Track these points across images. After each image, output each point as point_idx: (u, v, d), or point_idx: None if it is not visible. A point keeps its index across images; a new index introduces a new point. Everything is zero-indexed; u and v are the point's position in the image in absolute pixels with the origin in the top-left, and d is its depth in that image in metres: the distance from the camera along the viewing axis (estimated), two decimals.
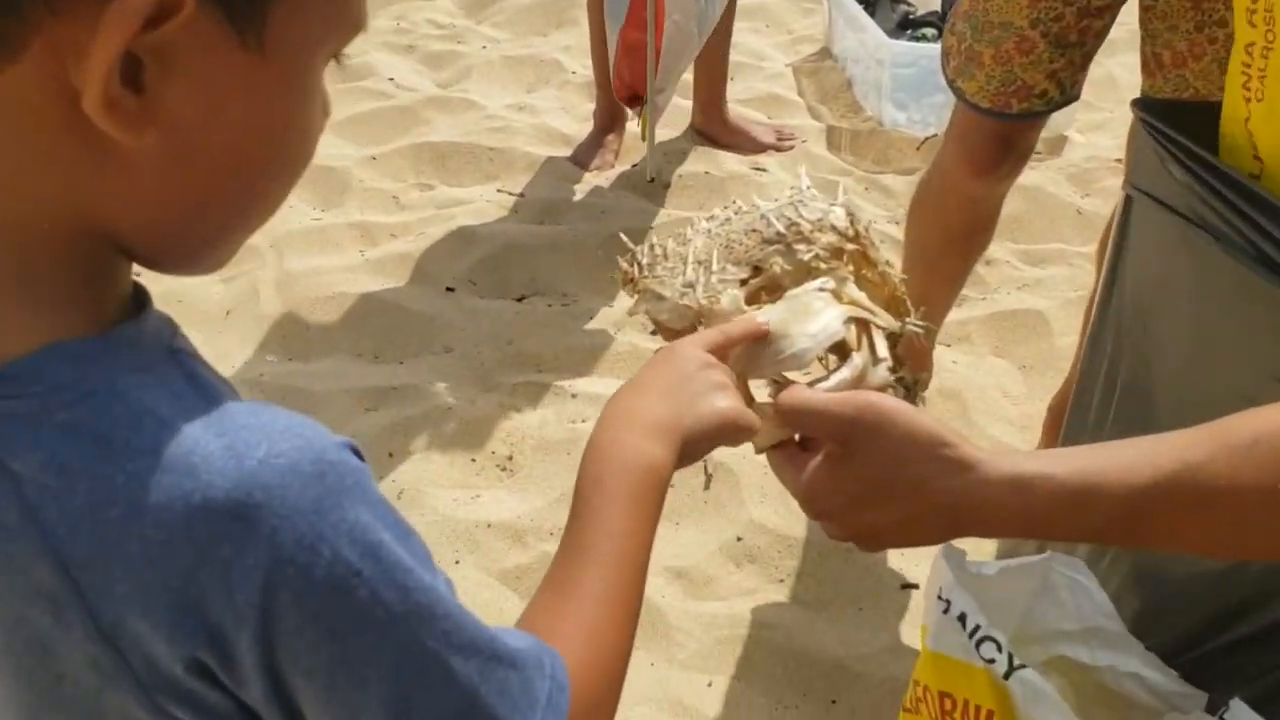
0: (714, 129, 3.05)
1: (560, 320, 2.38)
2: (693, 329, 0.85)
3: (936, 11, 3.55)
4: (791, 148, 3.09)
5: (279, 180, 0.55)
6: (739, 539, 1.81)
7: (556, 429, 2.06)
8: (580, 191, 2.86)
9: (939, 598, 0.98)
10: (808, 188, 0.91)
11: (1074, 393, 1.49)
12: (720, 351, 0.81)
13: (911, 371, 0.98)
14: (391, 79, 3.33)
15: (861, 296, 0.87)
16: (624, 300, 2.45)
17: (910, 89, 3.10)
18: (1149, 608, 1.12)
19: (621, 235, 0.96)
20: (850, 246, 0.86)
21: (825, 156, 3.06)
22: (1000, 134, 1.66)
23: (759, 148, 3.06)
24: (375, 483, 0.52)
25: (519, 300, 2.44)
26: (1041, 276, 2.55)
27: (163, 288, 2.36)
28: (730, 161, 2.98)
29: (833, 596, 1.74)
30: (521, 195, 2.81)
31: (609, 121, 3.03)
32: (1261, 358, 1.00)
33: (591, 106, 3.11)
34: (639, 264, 0.89)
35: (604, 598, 0.66)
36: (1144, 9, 1.47)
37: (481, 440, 2.04)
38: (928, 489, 0.74)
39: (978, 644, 0.95)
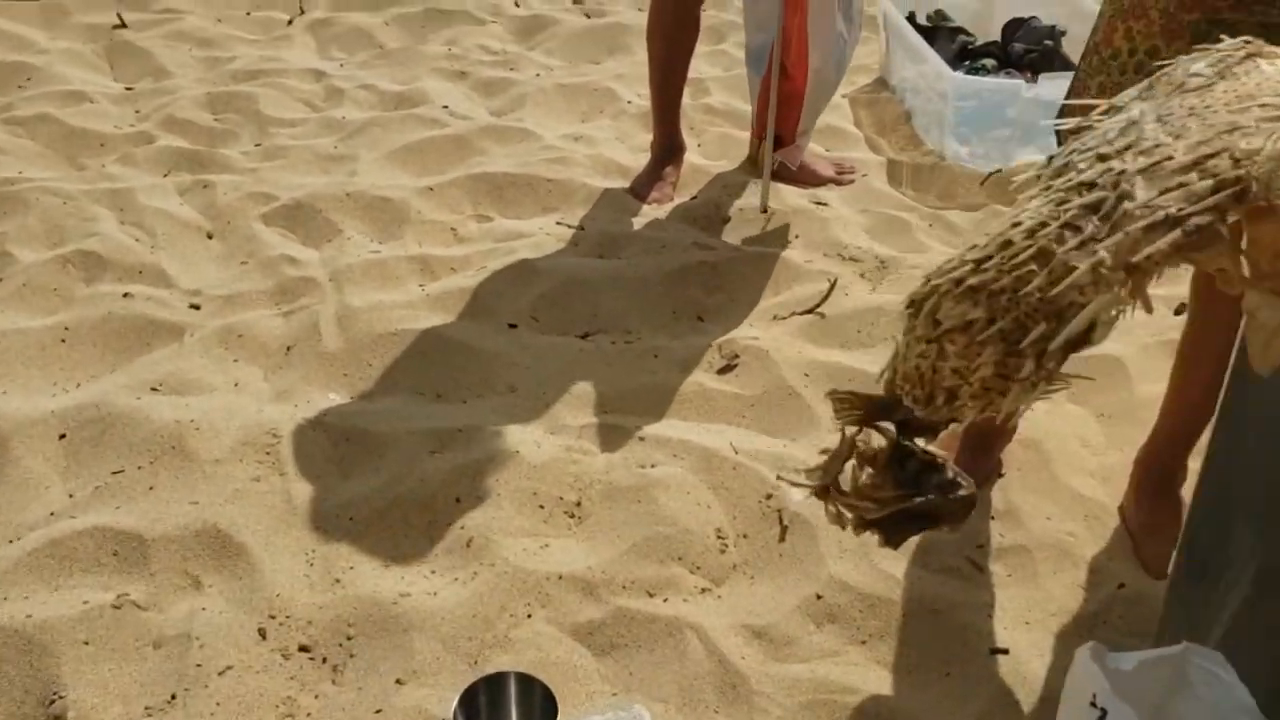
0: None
1: (624, 359, 2.33)
2: None
3: (996, 41, 3.50)
4: (852, 181, 3.04)
5: None
6: (819, 596, 1.76)
7: (624, 474, 2.01)
8: (639, 224, 2.82)
9: (1092, 704, 0.93)
10: None
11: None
12: None
13: None
14: (445, 107, 3.30)
15: None
16: (688, 339, 2.40)
17: (973, 123, 3.05)
18: None
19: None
20: None
21: (887, 191, 3.01)
22: None
23: (819, 181, 3.01)
24: None
25: (582, 338, 2.40)
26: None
27: (223, 322, 2.37)
28: (791, 195, 2.93)
29: (919, 660, 1.68)
30: (581, 228, 2.77)
31: (666, 154, 2.99)
32: None
33: (647, 136, 3.07)
34: None
35: None
36: None
37: (549, 486, 1.99)
38: None
39: None
